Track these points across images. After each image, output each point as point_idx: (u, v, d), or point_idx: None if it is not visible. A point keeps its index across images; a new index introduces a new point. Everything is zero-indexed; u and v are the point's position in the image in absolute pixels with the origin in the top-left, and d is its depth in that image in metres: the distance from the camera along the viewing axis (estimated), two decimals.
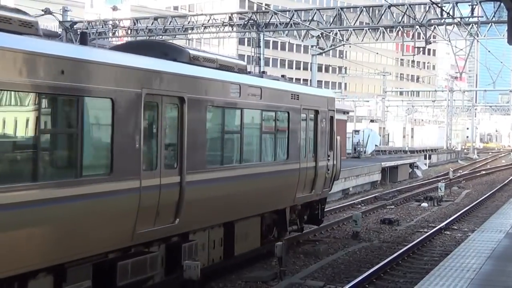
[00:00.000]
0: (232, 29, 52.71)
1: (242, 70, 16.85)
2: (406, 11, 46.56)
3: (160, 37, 51.90)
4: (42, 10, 40.05)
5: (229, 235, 15.82)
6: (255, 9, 59.42)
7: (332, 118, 21.22)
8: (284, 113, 17.78)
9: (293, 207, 19.01)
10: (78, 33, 50.31)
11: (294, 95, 18.35)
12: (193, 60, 14.36)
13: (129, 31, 51.99)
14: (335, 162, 21.25)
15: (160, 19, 53.43)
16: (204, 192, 13.95)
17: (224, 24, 51.34)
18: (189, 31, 52.67)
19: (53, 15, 44.01)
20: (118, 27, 51.84)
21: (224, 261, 16.04)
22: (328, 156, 20.69)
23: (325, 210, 22.29)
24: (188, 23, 52.42)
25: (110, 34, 51.67)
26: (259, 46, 52.39)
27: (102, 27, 51.49)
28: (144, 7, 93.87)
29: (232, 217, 15.65)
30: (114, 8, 63.89)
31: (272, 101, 17.14)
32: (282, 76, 21.96)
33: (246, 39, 76.71)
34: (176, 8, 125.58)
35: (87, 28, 50.78)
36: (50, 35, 47.96)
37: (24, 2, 40.16)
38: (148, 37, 51.21)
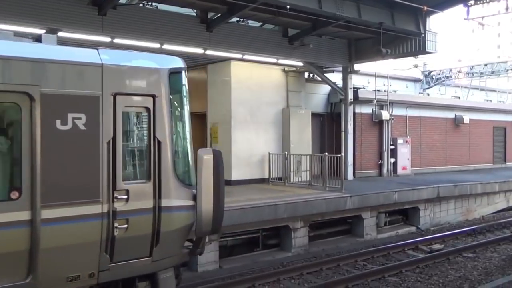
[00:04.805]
0: None
1: None
2: None
3: (486, 76, 50.23)
4: (414, 65, 42.63)
5: None
6: None
7: (149, 110, 5.92)
8: None
9: None
10: (433, 77, 52.15)
11: None
12: None
13: (466, 74, 51.52)
14: (164, 203, 5.90)
15: (488, 64, 51.91)
16: None
17: None
18: (509, 72, 50.23)
19: (417, 67, 45.91)
20: (459, 72, 51.79)
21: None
22: (124, 194, 5.67)
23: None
24: (509, 66, 50.08)
25: (453, 77, 51.83)
26: None
27: (449, 73, 51.96)
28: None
29: None
30: (459, 60, 63.41)
31: None
32: None
33: None
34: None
35: (438, 74, 51.66)
36: (415, 80, 50.02)
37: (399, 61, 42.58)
38: (480, 77, 50.17)
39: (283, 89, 17.92)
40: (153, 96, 5.98)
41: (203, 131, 17.46)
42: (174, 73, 6.27)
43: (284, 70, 17.96)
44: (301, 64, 17.49)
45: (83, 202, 5.50)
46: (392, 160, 20.56)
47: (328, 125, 20.22)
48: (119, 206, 5.71)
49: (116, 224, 5.67)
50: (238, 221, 11.49)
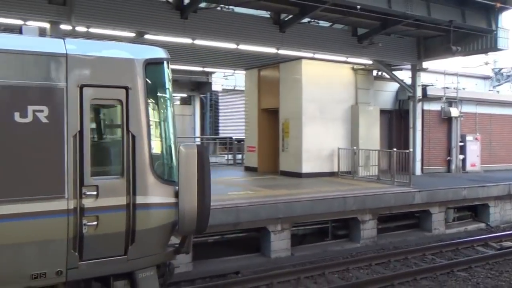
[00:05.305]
0: None
1: None
2: None
3: None
4: (484, 63, 41.00)
5: None
6: None
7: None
8: None
9: None
10: (504, 74, 49.84)
11: None
12: None
13: None
14: (139, 200, 5.63)
15: None
16: None
17: None
18: None
19: (487, 64, 44.27)
20: None
21: None
22: (94, 190, 5.46)
23: None
24: None
25: None
26: None
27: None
28: None
29: None
30: None
31: None
32: None
33: None
34: None
35: (509, 71, 49.37)
36: (485, 78, 48.17)
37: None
38: None
39: (352, 87, 18.19)
40: (126, 88, 5.59)
41: (275, 126, 18.05)
42: (152, 64, 5.84)
43: (353, 68, 18.22)
44: (370, 62, 17.70)
45: (45, 198, 5.18)
46: (461, 156, 20.34)
47: (396, 121, 20.28)
48: (87, 202, 5.39)
49: (84, 221, 5.36)
50: (309, 211, 11.93)
